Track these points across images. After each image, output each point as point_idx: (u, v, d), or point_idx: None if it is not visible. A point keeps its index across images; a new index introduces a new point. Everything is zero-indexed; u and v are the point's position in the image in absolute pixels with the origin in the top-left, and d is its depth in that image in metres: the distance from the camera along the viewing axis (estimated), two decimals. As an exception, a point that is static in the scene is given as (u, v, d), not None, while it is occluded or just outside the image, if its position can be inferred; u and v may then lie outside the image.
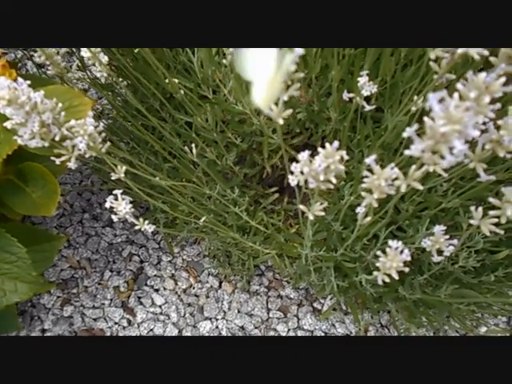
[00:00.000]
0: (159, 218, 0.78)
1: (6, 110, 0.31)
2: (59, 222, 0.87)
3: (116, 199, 0.40)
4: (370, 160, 0.26)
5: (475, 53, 0.23)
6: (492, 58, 0.25)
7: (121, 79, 0.81)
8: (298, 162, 0.29)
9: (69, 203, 0.90)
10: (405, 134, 0.23)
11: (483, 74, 0.20)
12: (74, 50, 0.54)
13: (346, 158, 0.29)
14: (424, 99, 0.35)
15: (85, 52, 0.38)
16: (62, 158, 0.39)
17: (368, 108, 0.40)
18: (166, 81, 0.54)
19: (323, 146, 0.69)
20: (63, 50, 0.40)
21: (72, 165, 0.38)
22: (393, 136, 0.47)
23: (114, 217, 0.40)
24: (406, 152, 0.22)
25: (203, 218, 0.55)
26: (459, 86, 0.20)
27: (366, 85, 0.38)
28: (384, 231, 0.53)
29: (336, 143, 0.28)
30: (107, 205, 0.39)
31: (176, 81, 0.58)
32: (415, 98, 0.36)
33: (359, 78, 0.38)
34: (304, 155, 0.28)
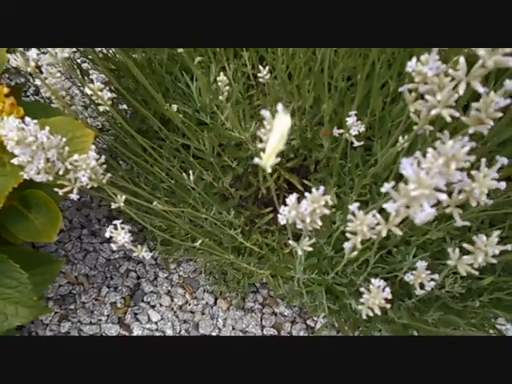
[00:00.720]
0: (156, 236, 0.80)
1: (15, 150, 0.33)
2: (58, 238, 0.89)
3: (116, 229, 0.42)
4: (353, 207, 0.28)
5: (447, 114, 0.25)
6: (464, 118, 0.27)
7: (120, 99, 0.83)
8: (286, 205, 0.31)
9: (68, 219, 0.92)
10: (383, 190, 0.25)
11: (450, 143, 0.22)
12: (78, 86, 0.56)
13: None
14: (409, 139, 0.37)
15: (89, 90, 0.40)
16: (65, 189, 0.41)
17: (357, 144, 0.42)
18: (165, 106, 0.56)
19: (316, 170, 0.71)
20: (67, 84, 0.42)
21: (74, 196, 0.40)
22: (382, 167, 0.49)
23: (113, 245, 0.42)
24: (384, 206, 0.24)
25: (199, 241, 0.57)
26: (430, 150, 0.22)
27: (354, 124, 0.40)
28: (374, 256, 0.55)
29: (322, 188, 0.30)
30: (107, 235, 0.41)
31: (175, 107, 0.60)
32: (400, 139, 0.38)
33: (347, 118, 0.40)
34: (292, 199, 0.30)
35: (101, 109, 0.42)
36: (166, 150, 0.65)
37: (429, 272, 0.36)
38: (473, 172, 0.29)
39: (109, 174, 0.42)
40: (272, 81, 0.61)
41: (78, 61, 0.98)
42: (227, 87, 0.44)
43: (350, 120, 0.40)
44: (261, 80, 0.47)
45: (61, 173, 0.38)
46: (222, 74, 0.44)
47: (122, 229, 0.42)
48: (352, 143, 0.47)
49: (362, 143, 0.43)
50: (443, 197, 0.21)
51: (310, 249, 0.36)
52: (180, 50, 0.50)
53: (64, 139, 0.38)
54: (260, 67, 0.47)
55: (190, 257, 0.83)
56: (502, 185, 0.26)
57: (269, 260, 0.70)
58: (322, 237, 0.60)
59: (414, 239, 0.55)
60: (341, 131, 0.44)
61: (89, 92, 0.41)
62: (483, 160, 0.28)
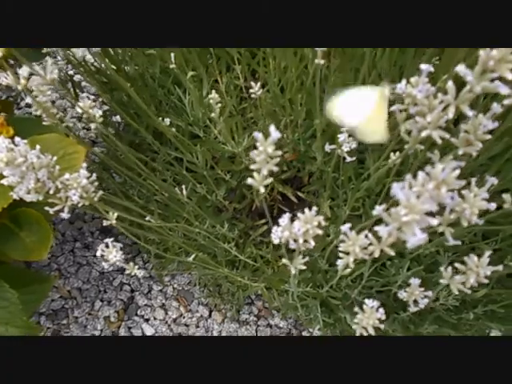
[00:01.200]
0: (150, 250, 0.79)
1: (4, 172, 0.32)
2: (50, 251, 0.88)
3: (107, 247, 0.42)
4: (345, 228, 0.28)
5: (437, 136, 0.25)
6: (453, 140, 0.27)
7: (113, 111, 0.83)
8: (279, 225, 0.31)
9: (60, 232, 0.91)
10: (374, 213, 0.25)
11: (440, 167, 0.22)
12: (69, 103, 0.55)
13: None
14: (401, 156, 0.38)
15: (80, 109, 0.40)
16: (56, 208, 0.40)
17: (349, 160, 0.43)
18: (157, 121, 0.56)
19: (309, 183, 0.71)
20: (58, 102, 0.42)
21: (65, 215, 0.40)
22: (375, 182, 0.49)
23: (104, 264, 0.42)
24: (376, 228, 0.24)
25: (192, 256, 0.56)
26: (420, 174, 0.23)
27: (346, 141, 0.40)
28: (368, 269, 0.55)
29: (314, 209, 0.30)
30: (98, 253, 0.41)
31: (168, 120, 0.60)
32: (392, 155, 0.38)
33: (339, 135, 0.40)
34: (285, 220, 0.30)
35: (92, 126, 0.42)
36: (159, 164, 0.65)
37: (422, 289, 0.36)
38: (463, 192, 0.29)
39: (100, 192, 0.42)
40: (265, 94, 0.62)
41: (71, 72, 0.97)
42: (219, 104, 0.44)
43: (342, 136, 0.40)
44: (253, 96, 0.47)
45: (51, 192, 0.38)
46: (213, 91, 0.44)
47: (114, 247, 0.42)
48: (345, 158, 0.47)
49: (354, 158, 0.43)
50: (435, 222, 0.21)
51: (304, 267, 0.35)
52: (172, 65, 0.50)
53: (55, 158, 0.38)
54: (252, 83, 0.47)
55: (184, 270, 0.83)
56: (493, 206, 0.26)
57: (263, 273, 0.69)
58: (316, 250, 0.59)
59: (407, 252, 0.55)
60: (333, 147, 0.44)
61: (79, 110, 0.41)
62: (473, 180, 0.28)
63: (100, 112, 0.41)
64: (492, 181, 0.27)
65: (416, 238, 0.21)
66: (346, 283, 0.56)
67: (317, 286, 0.59)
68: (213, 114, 0.45)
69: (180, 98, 0.64)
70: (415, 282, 0.35)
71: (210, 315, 0.84)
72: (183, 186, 0.53)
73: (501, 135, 0.42)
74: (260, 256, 0.73)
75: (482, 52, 0.20)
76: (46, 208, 0.39)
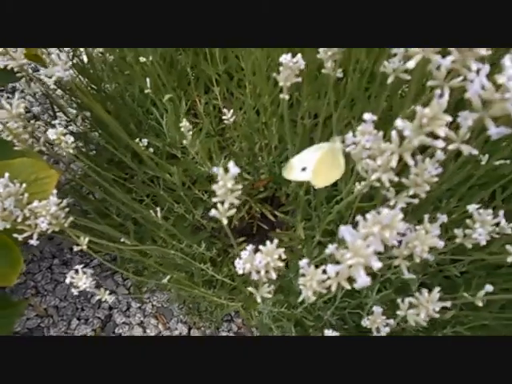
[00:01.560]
0: (128, 268, 0.79)
1: (-32, 203, 0.33)
2: (27, 269, 0.87)
3: (77, 273, 0.42)
4: (303, 263, 0.29)
5: (387, 179, 0.26)
6: (404, 180, 0.28)
7: (93, 129, 0.83)
8: (241, 258, 0.31)
9: (38, 248, 0.90)
10: (327, 251, 0.25)
11: (385, 211, 0.23)
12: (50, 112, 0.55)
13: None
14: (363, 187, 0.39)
15: (52, 134, 0.40)
16: (25, 235, 0.40)
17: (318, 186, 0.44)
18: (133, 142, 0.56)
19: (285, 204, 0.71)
20: (30, 128, 0.42)
21: (34, 242, 0.40)
22: (345, 206, 0.50)
23: (73, 290, 0.42)
24: (327, 267, 0.25)
25: (167, 277, 0.57)
26: (368, 216, 0.23)
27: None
28: (341, 290, 0.56)
29: (276, 241, 0.31)
30: (67, 280, 0.41)
31: (145, 141, 0.61)
32: (357, 184, 0.39)
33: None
34: (246, 252, 0.31)
35: (63, 153, 0.42)
36: (136, 183, 0.65)
37: (384, 317, 0.37)
38: (417, 227, 0.30)
39: (71, 218, 0.42)
40: (242, 116, 0.63)
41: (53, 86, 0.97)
42: (190, 132, 0.45)
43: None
44: (226, 122, 0.48)
45: (19, 220, 0.38)
46: (184, 120, 0.44)
47: (84, 273, 0.42)
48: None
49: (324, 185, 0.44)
50: (378, 265, 0.22)
51: (270, 296, 0.36)
52: (147, 90, 0.51)
53: (24, 185, 0.38)
54: (225, 110, 0.48)
55: (161, 289, 0.83)
56: (441, 244, 0.27)
57: (241, 292, 0.70)
58: (292, 271, 0.60)
59: (378, 274, 0.56)
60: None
61: (52, 137, 0.41)
62: (426, 216, 0.29)
63: (72, 138, 0.41)
64: (442, 219, 0.28)
65: (361, 280, 0.22)
66: (319, 305, 0.57)
67: (292, 307, 0.60)
68: (184, 141, 0.46)
69: (158, 119, 0.65)
70: (378, 310, 0.36)
71: (188, 333, 0.84)
72: (158, 209, 0.53)
73: (463, 163, 0.44)
74: (238, 275, 0.74)
75: (417, 108, 0.21)
76: (15, 235, 0.39)
